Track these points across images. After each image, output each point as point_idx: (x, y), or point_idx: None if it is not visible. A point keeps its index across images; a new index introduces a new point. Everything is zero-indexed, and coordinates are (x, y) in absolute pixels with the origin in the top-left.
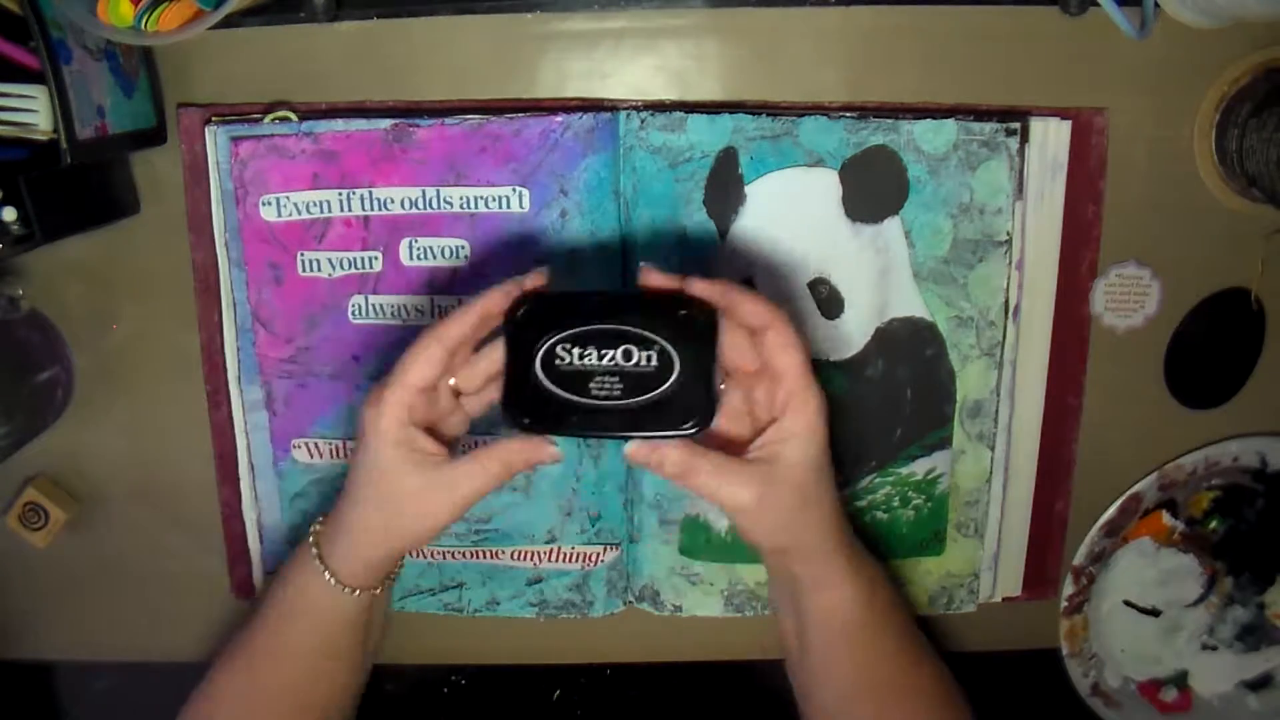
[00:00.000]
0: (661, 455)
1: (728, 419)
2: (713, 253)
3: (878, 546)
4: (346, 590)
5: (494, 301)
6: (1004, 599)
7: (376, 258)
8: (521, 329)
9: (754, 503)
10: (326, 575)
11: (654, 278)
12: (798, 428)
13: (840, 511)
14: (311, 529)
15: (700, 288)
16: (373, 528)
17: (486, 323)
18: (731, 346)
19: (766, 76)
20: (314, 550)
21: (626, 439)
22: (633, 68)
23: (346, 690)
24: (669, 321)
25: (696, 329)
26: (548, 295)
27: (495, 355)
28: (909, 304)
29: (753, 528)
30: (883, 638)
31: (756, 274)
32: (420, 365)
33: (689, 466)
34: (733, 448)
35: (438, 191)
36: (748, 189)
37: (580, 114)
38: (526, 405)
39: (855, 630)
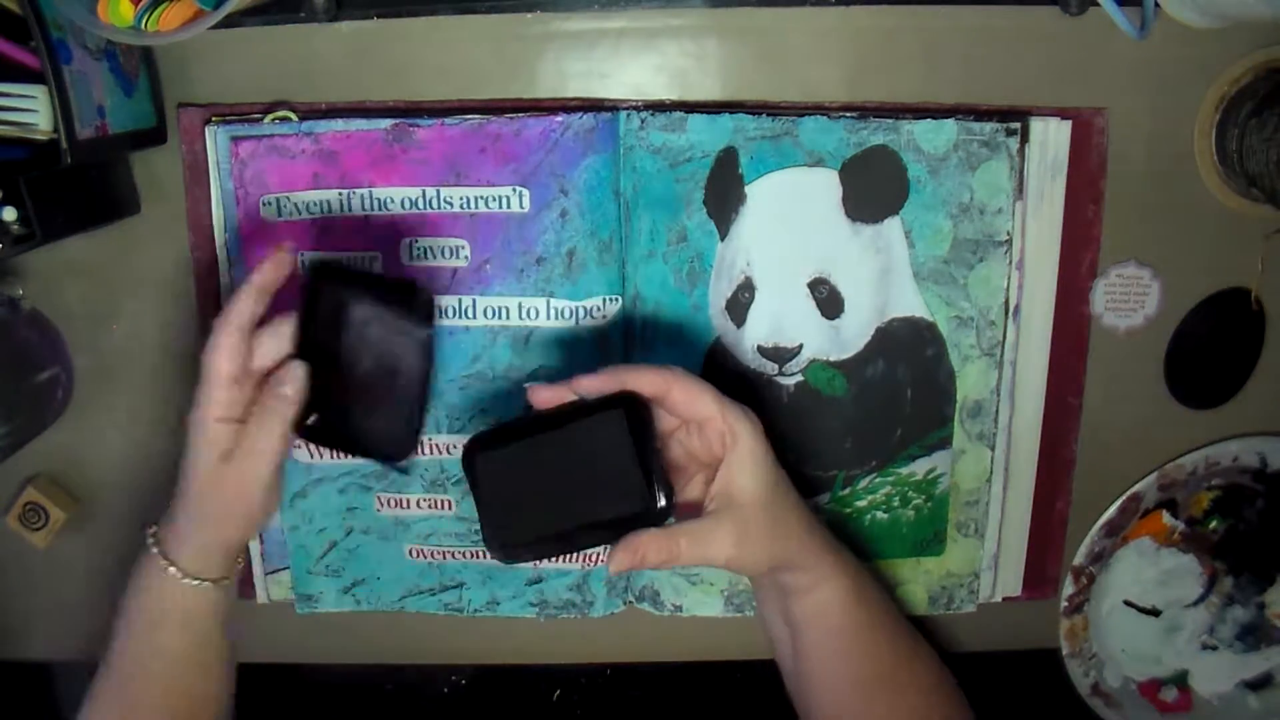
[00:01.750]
0: (643, 555)
1: (681, 482)
2: (713, 253)
3: (876, 547)
4: (197, 583)
5: (267, 275)
6: (1004, 599)
7: (376, 258)
8: (474, 463)
9: (734, 548)
10: (174, 571)
11: (542, 394)
12: (740, 459)
13: (809, 515)
14: (149, 532)
15: (586, 383)
16: (205, 517)
17: (264, 299)
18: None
19: (766, 76)
20: (155, 550)
21: (593, 543)
22: (633, 68)
23: (217, 699)
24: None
25: (623, 415)
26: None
27: (283, 329)
28: (909, 304)
29: (740, 566)
30: (874, 633)
31: (756, 274)
32: (223, 358)
33: (669, 553)
34: (691, 504)
35: (438, 191)
36: (748, 189)
37: (580, 114)
38: (506, 538)
39: (846, 628)
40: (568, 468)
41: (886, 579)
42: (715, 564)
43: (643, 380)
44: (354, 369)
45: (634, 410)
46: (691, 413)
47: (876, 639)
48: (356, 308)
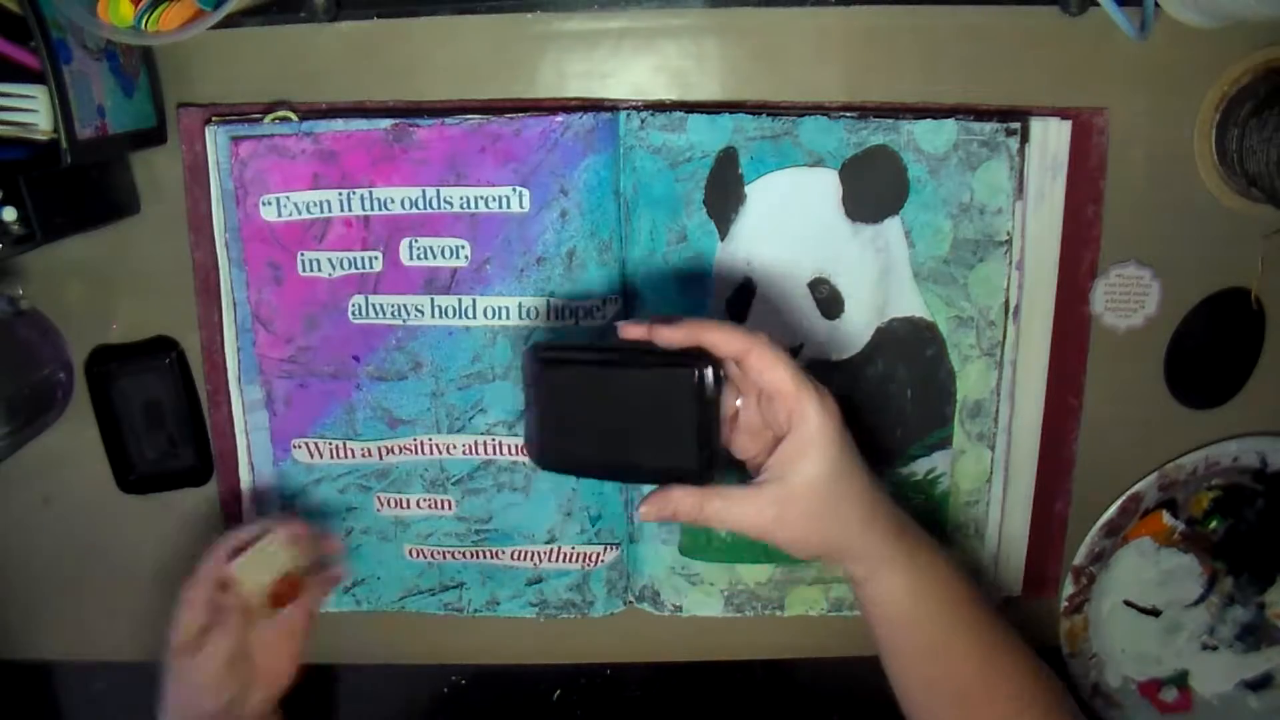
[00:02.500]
0: (673, 509)
1: (749, 438)
2: (713, 253)
3: None
4: None
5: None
6: (1004, 599)
7: (376, 258)
8: (541, 373)
9: (772, 523)
10: None
11: (632, 331)
12: (802, 442)
13: (877, 504)
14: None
15: (666, 335)
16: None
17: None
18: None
19: (766, 76)
20: None
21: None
22: (633, 68)
23: None
24: (670, 365)
25: (700, 377)
26: (554, 345)
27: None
28: (909, 304)
29: (781, 543)
30: (946, 630)
31: (756, 274)
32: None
33: (700, 509)
34: (756, 465)
35: (438, 191)
36: (748, 189)
37: (580, 114)
38: (546, 449)
39: (911, 621)
40: (628, 407)
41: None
42: (748, 533)
43: (722, 339)
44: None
45: (706, 374)
46: (765, 382)
47: (948, 638)
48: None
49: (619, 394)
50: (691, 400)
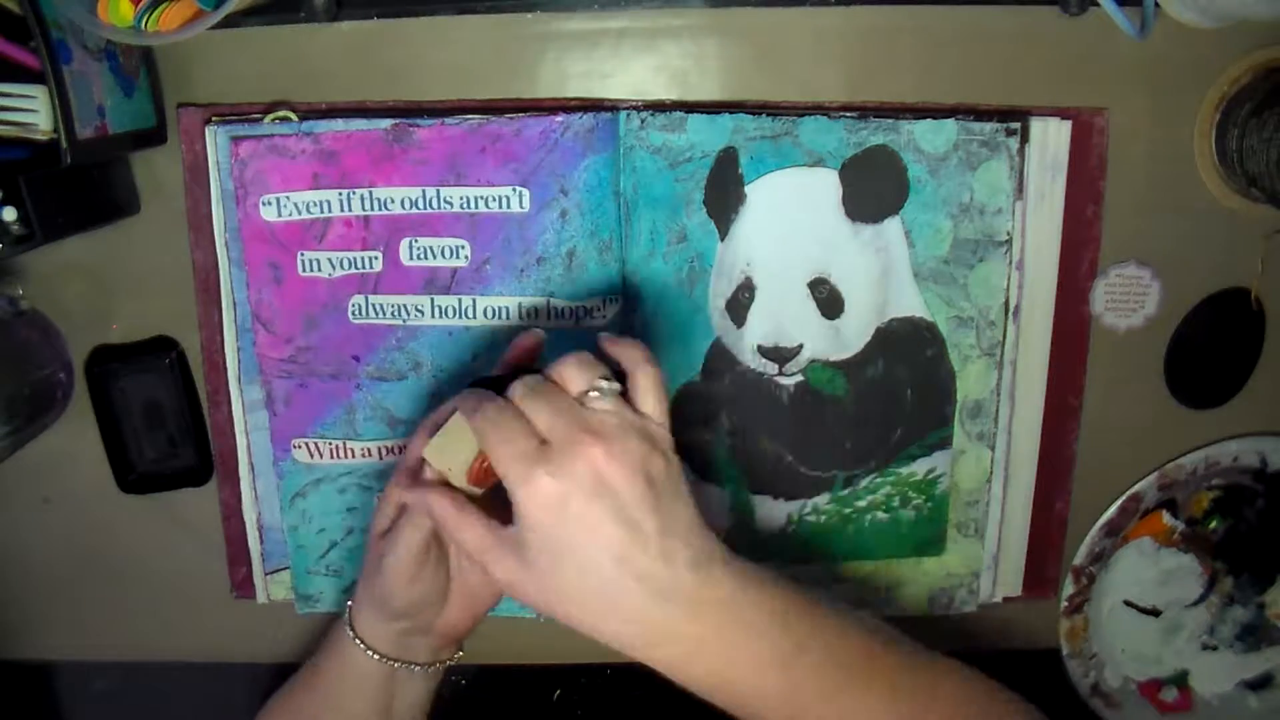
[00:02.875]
0: (429, 501)
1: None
2: (713, 253)
3: (876, 547)
4: (363, 648)
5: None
6: (1004, 599)
7: (376, 258)
8: None
9: (516, 572)
10: (348, 630)
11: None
12: (520, 511)
13: (661, 590)
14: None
15: (607, 347)
16: (365, 584)
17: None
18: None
19: (766, 76)
20: (348, 610)
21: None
22: (633, 68)
23: None
24: None
25: None
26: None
27: None
28: (909, 304)
29: (537, 603)
30: (797, 668)
31: (756, 274)
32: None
33: (456, 520)
34: None
35: (438, 191)
36: (748, 189)
37: (580, 114)
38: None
39: (771, 685)
40: None
41: (886, 580)
42: (493, 575)
43: (623, 355)
44: None
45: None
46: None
47: (830, 698)
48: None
49: None
50: None
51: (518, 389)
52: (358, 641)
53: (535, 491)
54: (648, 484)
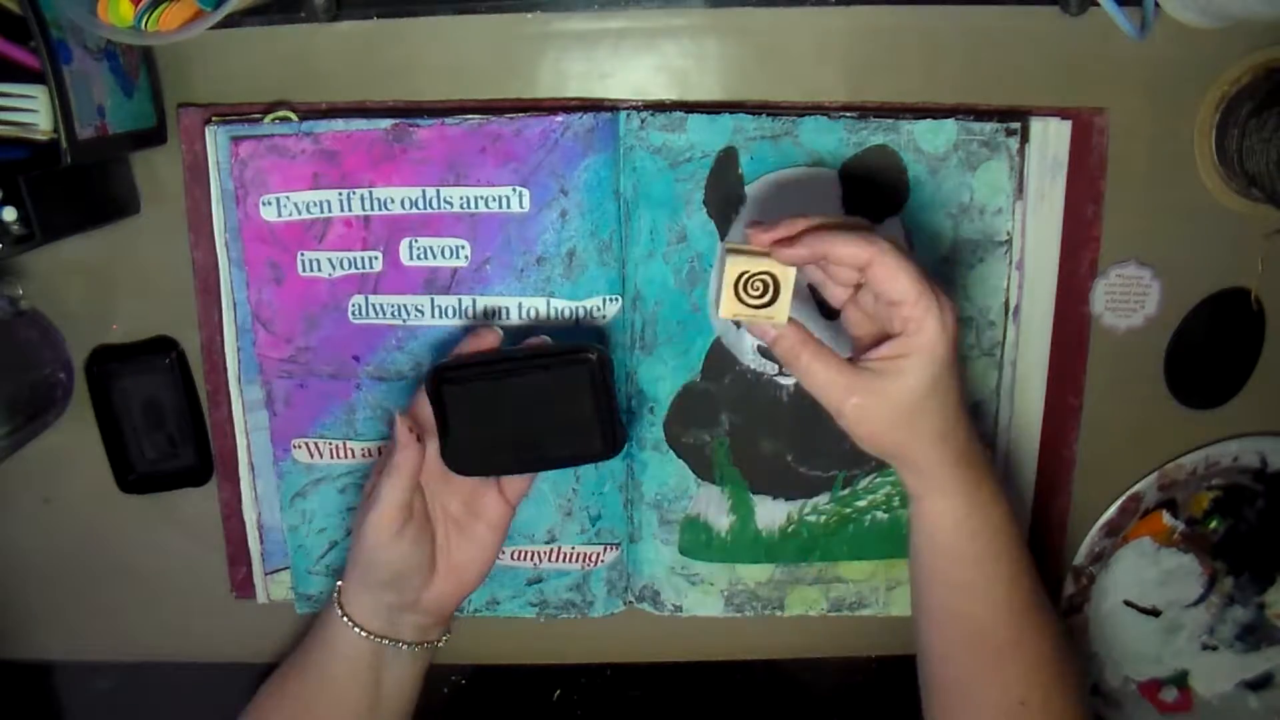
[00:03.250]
0: (776, 334)
1: (864, 319)
2: (713, 253)
3: (876, 547)
4: (351, 625)
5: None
6: None
7: (376, 258)
8: (440, 390)
9: (851, 408)
10: (337, 609)
11: (757, 236)
12: (911, 349)
13: (958, 428)
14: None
15: (789, 255)
16: (352, 561)
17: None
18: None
19: (766, 76)
20: (336, 590)
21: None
22: (633, 68)
23: None
24: (560, 362)
25: (589, 368)
26: (452, 364)
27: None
28: None
29: (850, 427)
30: (987, 574)
31: None
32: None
33: (796, 354)
34: (861, 347)
35: (438, 191)
36: (748, 189)
37: (580, 114)
38: (460, 455)
39: (954, 554)
40: (531, 407)
41: (886, 580)
42: (823, 401)
43: (847, 252)
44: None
45: (598, 365)
46: (887, 291)
47: (989, 583)
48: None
49: (521, 397)
50: (587, 390)
51: (888, 247)
52: (345, 619)
53: (951, 319)
54: None
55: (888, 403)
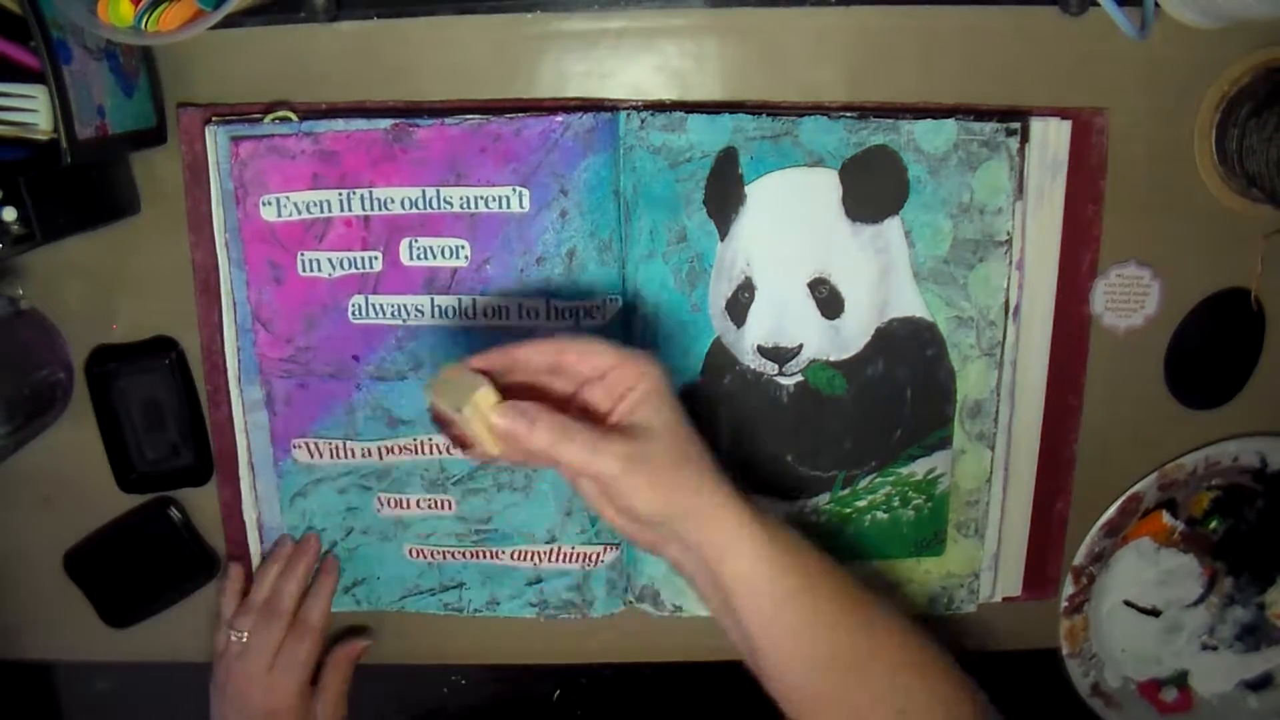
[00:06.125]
0: (531, 421)
1: (595, 418)
2: (713, 253)
3: (876, 547)
4: None
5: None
6: (1004, 599)
7: (376, 258)
8: None
9: (623, 466)
10: None
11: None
12: (643, 394)
13: (721, 477)
14: None
15: (479, 363)
16: None
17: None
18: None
19: (766, 76)
20: None
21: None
22: (633, 68)
23: None
24: None
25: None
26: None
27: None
28: (909, 304)
29: (629, 493)
30: (816, 603)
31: (756, 274)
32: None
33: (560, 433)
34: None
35: (438, 191)
36: (748, 189)
37: (580, 114)
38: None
39: (777, 596)
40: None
41: (887, 579)
42: (598, 474)
43: (531, 353)
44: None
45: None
46: (590, 368)
47: (818, 612)
48: None
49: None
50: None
51: (566, 336)
52: None
53: (655, 365)
54: None
55: (648, 448)
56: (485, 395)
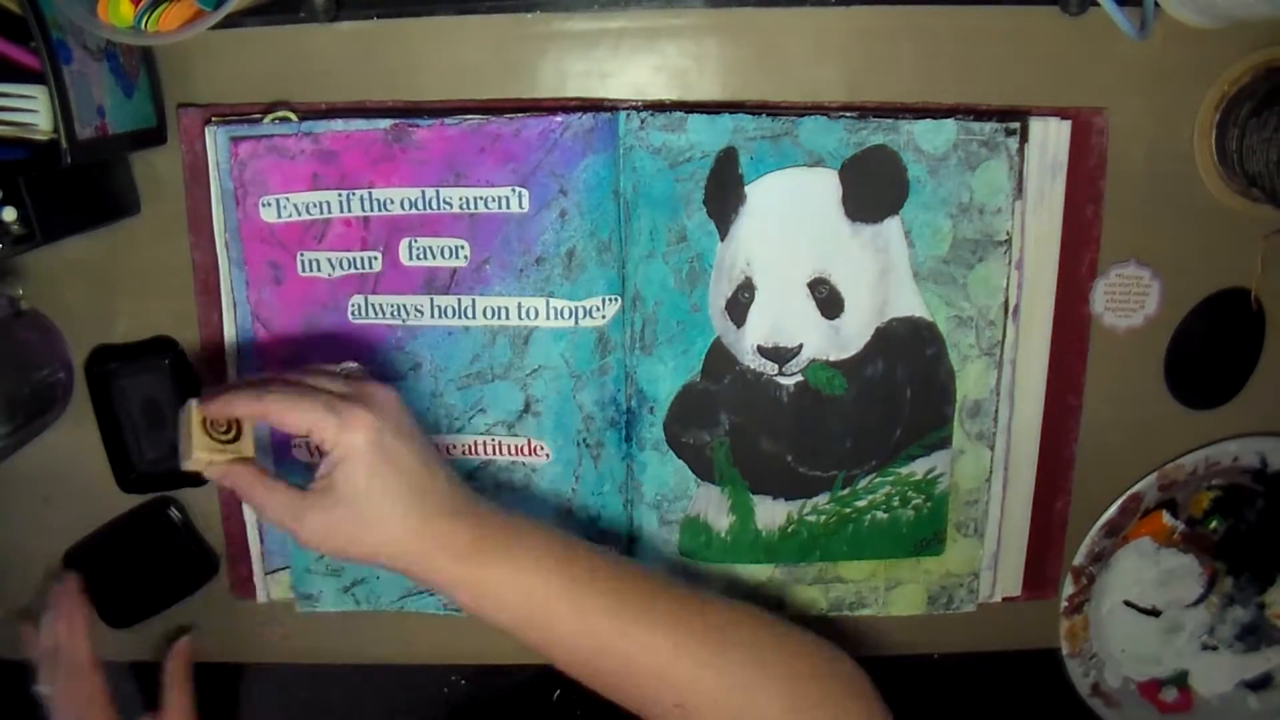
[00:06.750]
0: (233, 479)
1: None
2: (712, 253)
3: (876, 547)
4: None
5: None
6: (1004, 599)
7: (376, 258)
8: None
9: (307, 531)
10: None
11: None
12: (337, 460)
13: (441, 517)
14: None
15: (208, 407)
16: None
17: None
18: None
19: (766, 76)
20: None
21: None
22: (633, 68)
23: None
24: None
25: None
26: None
27: None
28: (909, 304)
29: (320, 548)
30: (547, 630)
31: (756, 274)
32: None
33: (251, 484)
34: None
35: (437, 191)
36: (748, 189)
37: (580, 114)
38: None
39: (502, 623)
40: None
41: (885, 580)
42: (288, 528)
43: (237, 407)
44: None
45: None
46: (292, 429)
47: (558, 634)
48: None
49: None
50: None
51: (289, 373)
52: None
53: (353, 429)
54: (419, 431)
55: (343, 513)
56: (200, 442)
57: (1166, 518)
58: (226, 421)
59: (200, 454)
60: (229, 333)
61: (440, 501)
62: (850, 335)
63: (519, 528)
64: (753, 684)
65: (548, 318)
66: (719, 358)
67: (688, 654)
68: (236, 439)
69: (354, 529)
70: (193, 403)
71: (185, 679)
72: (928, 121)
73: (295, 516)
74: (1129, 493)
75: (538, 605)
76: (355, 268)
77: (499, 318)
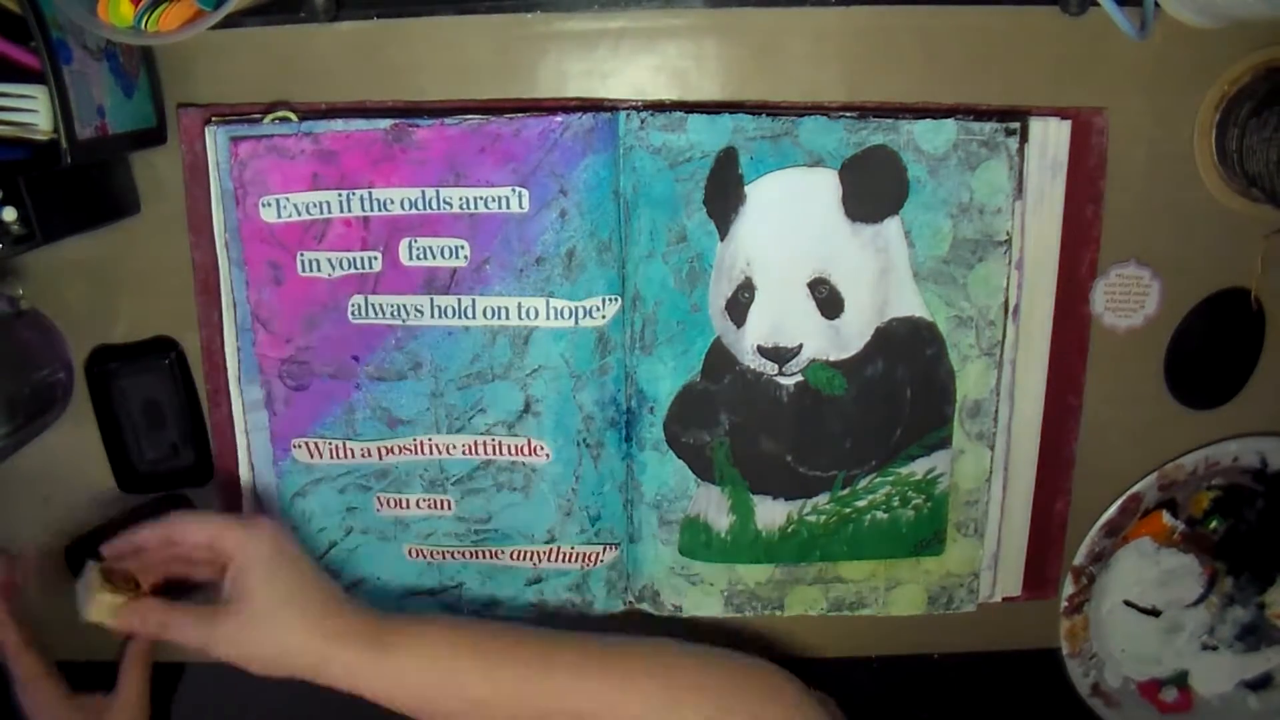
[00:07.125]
0: (141, 619)
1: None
2: (712, 253)
3: (876, 547)
4: None
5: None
6: (1004, 599)
7: (376, 258)
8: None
9: (224, 643)
10: None
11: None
12: (239, 567)
13: (341, 616)
14: None
15: (107, 548)
16: None
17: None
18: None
19: (766, 76)
20: None
21: None
22: (633, 68)
23: None
24: None
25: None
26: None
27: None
28: (909, 304)
29: (246, 664)
30: (505, 664)
31: (756, 274)
32: None
33: (163, 620)
34: None
35: (437, 191)
36: (748, 189)
37: (580, 114)
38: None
39: (473, 679)
40: None
41: (885, 580)
42: (213, 649)
43: (149, 537)
44: None
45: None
46: (198, 543)
47: (532, 675)
48: None
49: None
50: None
51: (174, 517)
52: None
53: (256, 533)
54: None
55: (252, 616)
56: (101, 597)
57: (1166, 518)
58: (128, 579)
59: (103, 595)
60: (229, 333)
61: (340, 600)
62: (850, 335)
63: (413, 615)
64: (669, 702)
65: (548, 318)
66: (719, 358)
67: (597, 687)
68: (136, 591)
69: (265, 632)
70: (92, 563)
71: (144, 662)
72: (928, 121)
73: (209, 630)
74: (1129, 493)
75: (446, 674)
76: (355, 268)
77: (499, 318)
